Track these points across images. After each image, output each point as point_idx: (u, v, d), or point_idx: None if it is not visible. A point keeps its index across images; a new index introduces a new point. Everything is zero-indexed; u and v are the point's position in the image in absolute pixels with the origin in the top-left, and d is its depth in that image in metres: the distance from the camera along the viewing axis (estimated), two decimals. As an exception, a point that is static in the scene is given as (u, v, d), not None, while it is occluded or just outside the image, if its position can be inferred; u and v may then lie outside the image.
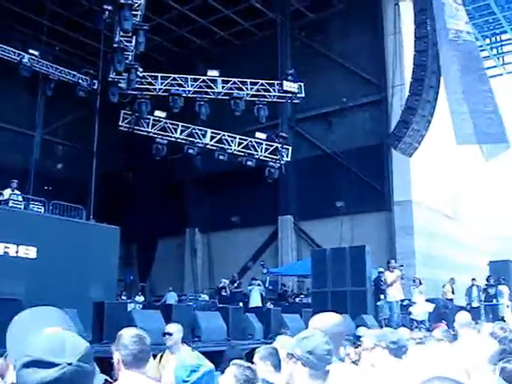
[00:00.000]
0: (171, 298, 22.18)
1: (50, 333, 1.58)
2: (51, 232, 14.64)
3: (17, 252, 13.84)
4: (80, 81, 25.31)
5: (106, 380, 3.61)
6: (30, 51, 23.66)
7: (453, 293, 19.43)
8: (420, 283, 18.15)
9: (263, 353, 4.21)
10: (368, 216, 24.61)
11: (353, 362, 4.75)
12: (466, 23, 18.89)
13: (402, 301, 18.06)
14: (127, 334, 3.39)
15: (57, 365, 1.47)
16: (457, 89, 17.98)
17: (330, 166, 25.67)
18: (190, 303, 20.11)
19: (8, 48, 22.89)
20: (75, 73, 25.31)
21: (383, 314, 16.58)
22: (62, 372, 1.46)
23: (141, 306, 20.98)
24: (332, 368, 2.88)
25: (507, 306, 17.92)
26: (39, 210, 16.27)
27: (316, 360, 2.78)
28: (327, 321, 3.38)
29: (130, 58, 23.35)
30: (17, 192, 16.62)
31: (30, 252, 14.02)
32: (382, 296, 16.86)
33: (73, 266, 14.21)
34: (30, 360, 1.47)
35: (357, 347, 5.97)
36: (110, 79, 24.27)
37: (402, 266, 18.69)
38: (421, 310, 16.67)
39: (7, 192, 16.23)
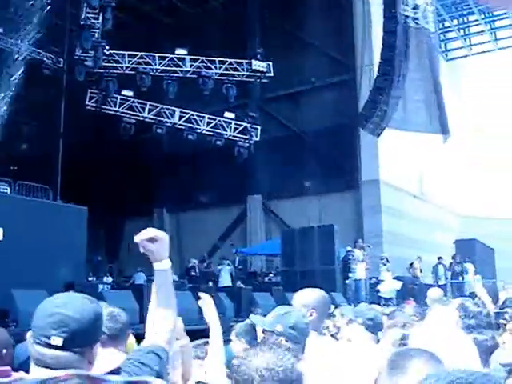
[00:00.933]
0: (140, 278, 22.06)
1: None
2: (17, 213, 14.41)
3: (-18, 233, 13.63)
4: (45, 59, 24.79)
5: None
6: (-6, 28, 23.09)
7: (420, 271, 19.78)
8: (387, 261, 18.44)
9: (238, 330, 4.24)
10: (336, 195, 24.82)
11: (332, 336, 4.81)
12: (414, 9, 19.09)
13: (370, 279, 18.34)
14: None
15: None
16: (397, 73, 18.34)
17: (299, 145, 25.74)
18: (160, 283, 20.05)
19: (-30, 25, 22.30)
20: (40, 50, 24.76)
21: (351, 291, 16.81)
22: None
23: (109, 286, 20.87)
24: (309, 341, 2.93)
25: (476, 281, 18.30)
26: (5, 191, 16.02)
27: (298, 334, 2.84)
28: (313, 295, 3.43)
29: (96, 35, 22.97)
30: (-19, 173, 16.32)
31: (-4, 233, 13.80)
32: (350, 274, 17.09)
33: (41, 247, 14.02)
34: None
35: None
36: (76, 57, 23.86)
37: (368, 246, 18.95)
38: (388, 287, 16.93)
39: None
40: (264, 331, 2.96)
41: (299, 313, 3.00)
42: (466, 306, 4.33)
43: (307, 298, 3.42)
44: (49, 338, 1.67)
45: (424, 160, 26.85)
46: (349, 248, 17.92)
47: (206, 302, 3.40)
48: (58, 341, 1.67)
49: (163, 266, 2.29)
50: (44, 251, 13.99)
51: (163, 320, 2.16)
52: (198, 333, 3.98)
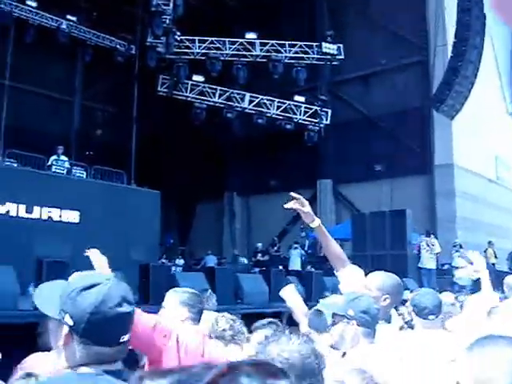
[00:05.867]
0: (210, 260, 22.42)
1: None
2: (94, 196, 14.89)
3: (60, 216, 14.15)
4: (118, 46, 25.29)
5: None
6: (68, 17, 23.67)
7: (495, 257, 19.21)
8: (461, 247, 18.01)
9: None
10: (408, 179, 24.28)
11: (406, 323, 4.74)
12: None
13: (442, 265, 17.98)
14: (188, 293, 3.67)
15: (100, 283, 1.69)
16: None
17: (370, 128, 25.33)
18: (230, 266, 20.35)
19: (46, 14, 22.92)
20: (113, 38, 25.29)
21: (424, 278, 16.54)
22: (108, 286, 1.69)
23: (181, 268, 21.27)
24: (379, 328, 2.92)
25: None
26: (81, 175, 16.49)
27: (370, 319, 2.83)
28: (389, 281, 3.38)
29: (167, 21, 23.23)
30: (63, 158, 16.77)
31: (73, 216, 14.31)
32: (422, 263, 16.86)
33: (115, 230, 14.45)
34: (80, 288, 1.68)
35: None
36: (147, 44, 24.27)
37: (436, 237, 18.52)
38: (464, 274, 16.52)
39: (52, 158, 16.40)
40: (334, 315, 2.95)
41: (370, 298, 3.00)
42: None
43: (383, 282, 3.36)
44: None
45: (500, 142, 25.99)
46: (425, 238, 17.58)
47: (287, 291, 3.71)
48: None
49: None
50: (119, 234, 14.42)
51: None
52: (268, 316, 3.98)
